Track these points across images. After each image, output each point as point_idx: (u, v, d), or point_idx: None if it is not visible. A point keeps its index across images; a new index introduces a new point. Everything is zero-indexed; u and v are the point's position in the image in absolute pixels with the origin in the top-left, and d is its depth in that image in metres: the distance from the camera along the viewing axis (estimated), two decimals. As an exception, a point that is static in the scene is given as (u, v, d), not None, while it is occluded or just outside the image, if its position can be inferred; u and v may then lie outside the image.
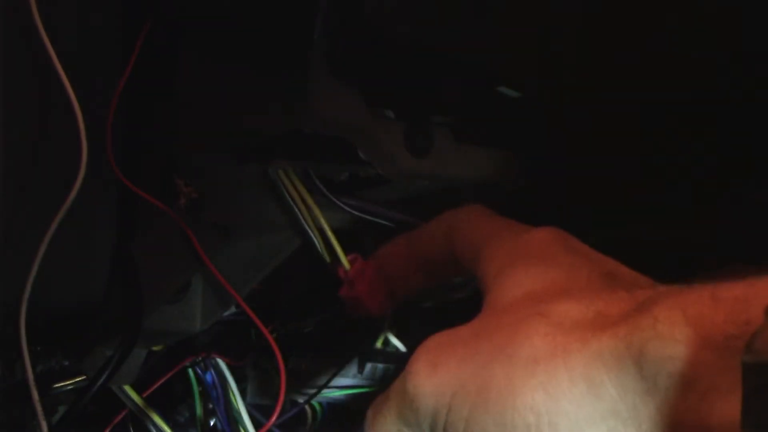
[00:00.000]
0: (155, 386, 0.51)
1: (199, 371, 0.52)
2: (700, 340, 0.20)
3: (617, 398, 0.22)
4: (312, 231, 0.41)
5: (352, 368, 0.52)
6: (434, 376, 0.27)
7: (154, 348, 0.50)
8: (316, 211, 0.41)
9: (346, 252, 0.42)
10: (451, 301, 0.52)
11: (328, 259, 0.42)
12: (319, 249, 0.42)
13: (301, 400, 0.53)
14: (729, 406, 0.19)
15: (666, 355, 0.21)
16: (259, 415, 0.52)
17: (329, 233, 0.41)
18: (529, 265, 0.30)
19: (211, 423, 0.53)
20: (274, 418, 0.48)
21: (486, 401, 0.24)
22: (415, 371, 0.27)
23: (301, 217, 0.41)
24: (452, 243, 0.36)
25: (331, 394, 0.53)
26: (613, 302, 0.25)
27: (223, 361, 0.52)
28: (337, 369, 0.51)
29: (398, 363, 0.53)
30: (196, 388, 0.52)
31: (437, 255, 0.38)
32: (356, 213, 0.42)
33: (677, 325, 0.21)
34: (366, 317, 0.43)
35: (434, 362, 0.27)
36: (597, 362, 0.23)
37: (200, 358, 0.52)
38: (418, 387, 0.27)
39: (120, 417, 0.51)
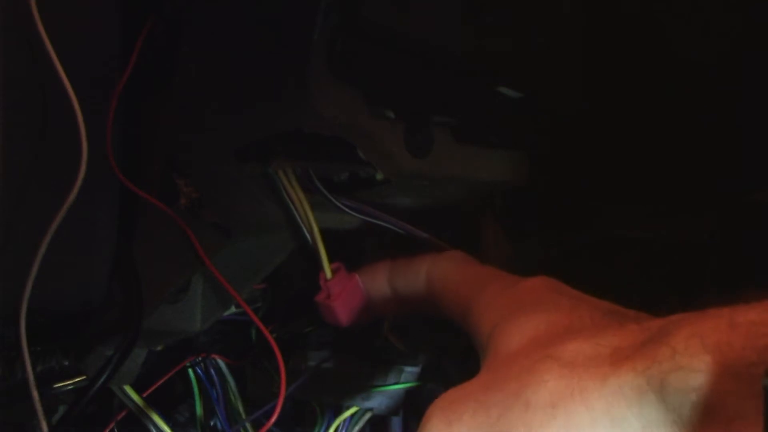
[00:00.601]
0: (155, 386, 0.51)
1: (199, 371, 0.52)
2: (721, 368, 0.20)
3: (642, 430, 0.22)
4: (306, 232, 0.42)
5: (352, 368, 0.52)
6: None
7: (154, 348, 0.50)
8: (310, 213, 0.41)
9: (337, 259, 0.42)
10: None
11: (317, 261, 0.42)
12: (311, 250, 0.42)
13: (301, 400, 0.53)
14: None
15: (689, 386, 0.21)
16: (258, 415, 0.52)
17: (318, 237, 0.41)
18: (528, 312, 0.29)
19: (211, 423, 0.53)
20: (274, 418, 0.48)
21: None
22: (429, 430, 0.27)
23: (298, 218, 0.41)
24: (433, 292, 0.37)
25: (330, 393, 0.53)
26: (625, 335, 0.25)
27: (223, 361, 0.52)
28: (338, 369, 0.51)
29: (398, 363, 0.53)
30: (196, 388, 0.52)
31: (417, 299, 0.38)
32: (356, 215, 0.42)
33: (697, 355, 0.21)
34: (336, 326, 0.43)
35: (448, 419, 0.26)
36: (618, 398, 0.22)
37: (200, 358, 0.52)
38: None
39: (120, 417, 0.51)
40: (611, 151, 0.45)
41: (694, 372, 0.21)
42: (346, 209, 0.41)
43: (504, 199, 0.49)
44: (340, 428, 0.53)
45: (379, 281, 0.41)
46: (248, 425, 0.50)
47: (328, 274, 0.42)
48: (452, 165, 0.42)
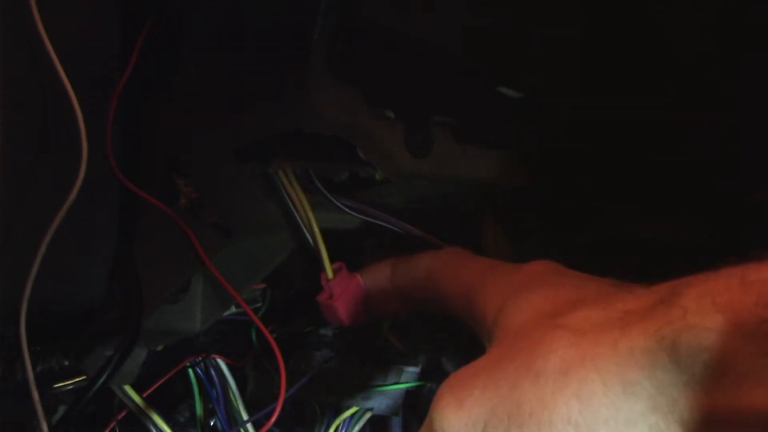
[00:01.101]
0: (155, 386, 0.51)
1: (199, 371, 0.52)
2: (733, 326, 0.20)
3: (655, 394, 0.22)
4: (307, 232, 0.42)
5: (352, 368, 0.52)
6: (461, 409, 0.26)
7: (154, 348, 0.50)
8: (310, 215, 0.41)
9: (337, 259, 0.42)
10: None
11: (319, 260, 0.42)
12: (312, 250, 0.42)
13: (301, 400, 0.53)
14: (765, 392, 0.19)
15: (700, 345, 0.20)
16: (259, 415, 0.52)
17: (318, 237, 0.41)
18: (533, 289, 0.29)
19: (211, 423, 0.53)
20: (274, 418, 0.48)
21: (520, 424, 0.24)
22: (440, 409, 0.26)
23: (297, 218, 0.41)
24: (434, 286, 0.36)
25: (330, 393, 0.53)
26: (633, 299, 0.25)
27: (223, 361, 0.52)
28: (338, 369, 0.51)
29: (398, 363, 0.53)
30: (196, 388, 0.52)
31: (418, 293, 0.38)
32: (356, 215, 0.42)
33: (708, 314, 0.21)
34: (338, 325, 0.43)
35: (458, 397, 0.26)
36: (629, 362, 0.22)
37: (200, 358, 0.52)
38: (447, 424, 0.26)
39: (120, 417, 0.51)
40: (611, 151, 0.45)
41: (705, 331, 0.20)
42: (346, 209, 0.41)
43: (504, 199, 0.49)
44: (340, 428, 0.53)
45: (381, 279, 0.41)
46: (248, 425, 0.50)
47: (330, 273, 0.42)
48: (452, 165, 0.42)
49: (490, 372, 0.26)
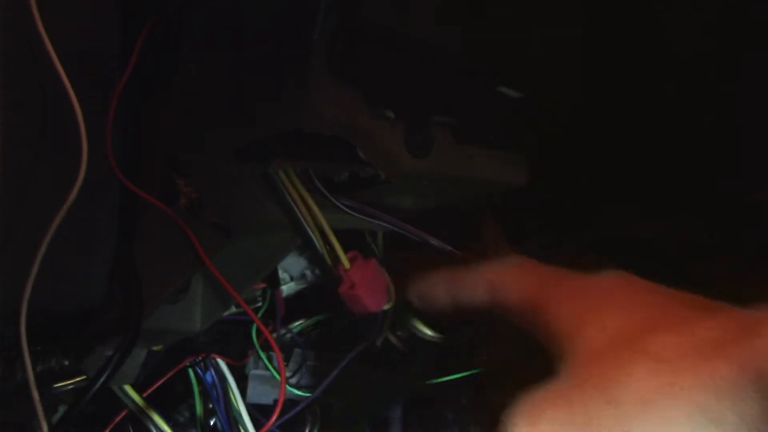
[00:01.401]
0: (155, 386, 0.51)
1: (199, 371, 0.52)
2: None
3: (739, 423, 0.21)
4: (312, 231, 0.42)
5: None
6: None
7: (154, 348, 0.50)
8: (316, 211, 0.41)
9: (345, 250, 0.42)
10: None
11: (328, 258, 0.42)
12: (319, 249, 0.42)
13: (301, 400, 0.53)
14: None
15: None
16: (259, 415, 0.52)
17: (329, 232, 0.41)
18: (608, 309, 0.28)
19: (211, 423, 0.53)
20: (274, 418, 0.48)
21: None
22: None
23: (301, 217, 0.41)
24: (499, 300, 0.35)
25: (330, 394, 0.53)
26: (715, 327, 0.24)
27: (223, 361, 0.52)
28: (338, 369, 0.52)
29: (398, 363, 0.53)
30: (196, 388, 0.52)
31: (479, 306, 0.36)
32: (356, 215, 0.42)
33: None
34: (365, 314, 0.43)
35: (531, 421, 0.25)
36: (712, 391, 0.22)
37: (200, 358, 0.52)
38: None
39: (120, 417, 0.51)
40: (611, 151, 0.45)
41: None
42: (346, 209, 0.41)
43: (504, 199, 0.49)
44: (340, 428, 0.53)
45: (437, 293, 0.39)
46: (248, 425, 0.50)
47: (346, 264, 0.42)
48: (452, 165, 0.42)
49: (566, 395, 0.25)
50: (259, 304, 0.53)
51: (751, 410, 0.21)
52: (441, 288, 0.38)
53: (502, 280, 0.35)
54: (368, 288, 0.42)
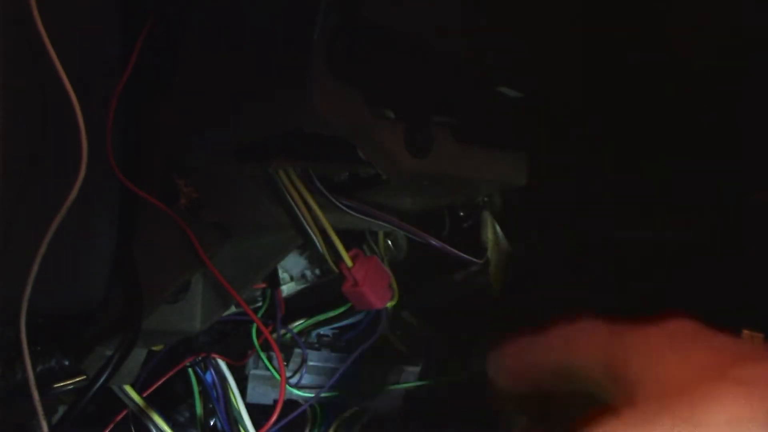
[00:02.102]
0: (155, 386, 0.51)
1: (199, 371, 0.52)
2: None
3: None
4: (312, 230, 0.42)
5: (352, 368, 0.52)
6: None
7: (154, 348, 0.50)
8: (317, 211, 0.41)
9: (347, 249, 0.43)
10: (453, 302, 0.52)
11: (329, 257, 0.42)
12: (320, 248, 0.42)
13: (301, 401, 0.53)
14: None
15: None
16: (259, 415, 0.52)
17: (330, 231, 0.42)
18: (676, 351, 0.28)
19: (211, 423, 0.53)
20: (274, 418, 0.48)
21: None
22: None
23: (301, 217, 0.41)
24: (569, 357, 0.34)
25: (330, 394, 0.53)
26: None
27: (223, 361, 0.52)
28: (342, 370, 0.52)
29: (398, 363, 0.53)
30: (196, 388, 0.52)
31: (549, 374, 0.35)
32: (356, 215, 0.42)
33: None
34: (369, 310, 0.44)
35: None
36: None
37: (200, 358, 0.52)
38: None
39: (120, 417, 0.51)
40: (611, 151, 0.45)
41: None
42: (346, 209, 0.41)
43: (504, 199, 0.49)
44: (340, 428, 0.53)
45: (510, 369, 0.35)
46: (248, 425, 0.50)
47: (349, 262, 0.42)
48: (452, 165, 0.42)
49: (640, 427, 0.25)
50: (259, 304, 0.53)
51: None
52: (514, 360, 0.35)
53: (575, 334, 0.34)
54: (372, 284, 0.42)
